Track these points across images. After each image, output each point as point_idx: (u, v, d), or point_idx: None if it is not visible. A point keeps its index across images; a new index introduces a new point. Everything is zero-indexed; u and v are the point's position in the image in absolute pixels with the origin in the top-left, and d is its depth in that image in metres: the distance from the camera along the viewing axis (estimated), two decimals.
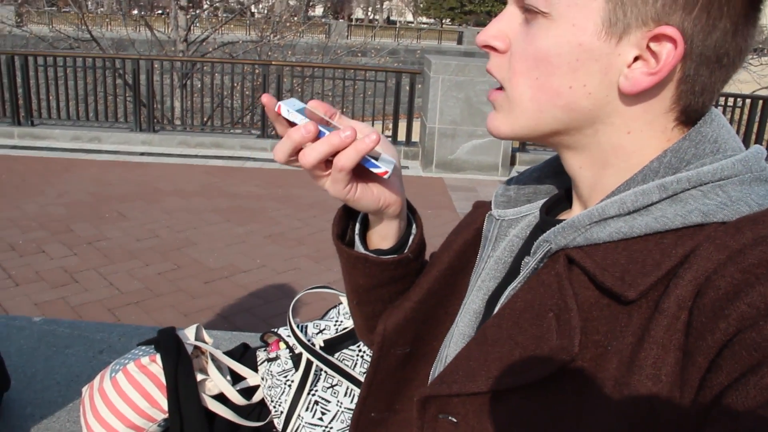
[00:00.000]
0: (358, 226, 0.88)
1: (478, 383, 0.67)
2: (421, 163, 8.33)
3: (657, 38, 0.59)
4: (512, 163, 8.25)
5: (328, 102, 8.98)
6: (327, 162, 0.72)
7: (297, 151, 0.72)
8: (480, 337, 0.70)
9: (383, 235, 0.86)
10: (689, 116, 0.64)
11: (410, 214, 0.89)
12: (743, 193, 0.59)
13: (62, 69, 8.67)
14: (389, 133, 8.92)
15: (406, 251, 0.86)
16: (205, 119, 9.86)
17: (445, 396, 0.71)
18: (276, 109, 0.72)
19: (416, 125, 8.75)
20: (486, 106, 7.80)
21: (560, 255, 0.65)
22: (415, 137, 8.79)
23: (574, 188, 0.74)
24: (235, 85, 9.25)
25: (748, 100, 9.01)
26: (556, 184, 0.81)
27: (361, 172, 0.75)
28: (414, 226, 0.88)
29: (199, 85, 9.40)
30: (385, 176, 0.73)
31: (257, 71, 8.97)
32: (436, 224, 5.27)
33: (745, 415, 0.45)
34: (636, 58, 0.60)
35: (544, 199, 0.82)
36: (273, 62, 9.27)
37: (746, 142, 8.84)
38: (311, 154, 0.70)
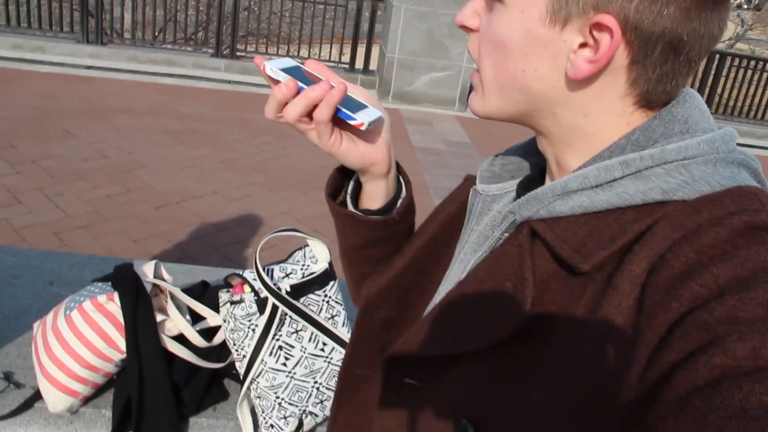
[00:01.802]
0: (351, 184, 0.92)
1: (435, 346, 0.71)
2: (378, 93, 8.20)
3: (598, 26, 0.60)
4: None
5: (284, 23, 8.73)
6: (311, 117, 0.77)
7: (282, 107, 0.77)
8: (444, 303, 0.74)
9: (371, 195, 0.89)
10: (652, 101, 0.64)
11: (401, 179, 0.92)
12: (706, 173, 0.59)
13: None
14: (346, 59, 8.72)
15: (393, 213, 0.89)
16: (156, 33, 9.45)
17: (407, 358, 0.76)
18: (261, 69, 0.78)
19: (374, 53, 8.57)
20: (447, 39, 7.68)
21: (525, 226, 0.68)
22: (373, 66, 8.62)
23: (547, 166, 0.76)
24: None
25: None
26: (539, 161, 0.81)
27: (346, 128, 0.81)
28: (404, 189, 0.91)
29: None
30: (362, 128, 0.76)
31: None
32: None
33: (694, 393, 0.46)
34: (584, 44, 0.61)
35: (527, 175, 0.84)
36: None
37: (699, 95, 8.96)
38: (291, 110, 0.76)
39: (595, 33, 0.60)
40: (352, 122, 0.76)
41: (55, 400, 1.66)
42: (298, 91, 0.76)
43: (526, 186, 0.79)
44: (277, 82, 0.77)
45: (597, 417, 0.55)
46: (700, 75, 8.88)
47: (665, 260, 0.55)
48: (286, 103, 0.76)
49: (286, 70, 0.78)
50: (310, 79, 0.78)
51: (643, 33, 0.59)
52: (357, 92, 0.82)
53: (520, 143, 0.85)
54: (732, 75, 9.04)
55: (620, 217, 0.61)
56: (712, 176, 0.59)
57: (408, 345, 0.76)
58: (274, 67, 0.77)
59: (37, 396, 1.72)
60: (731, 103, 9.37)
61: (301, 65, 0.81)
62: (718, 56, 9.04)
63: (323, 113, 0.75)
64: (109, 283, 1.81)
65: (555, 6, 0.61)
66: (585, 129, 0.67)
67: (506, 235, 0.72)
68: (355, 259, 0.96)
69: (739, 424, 0.42)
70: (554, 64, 0.64)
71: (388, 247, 0.92)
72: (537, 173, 0.81)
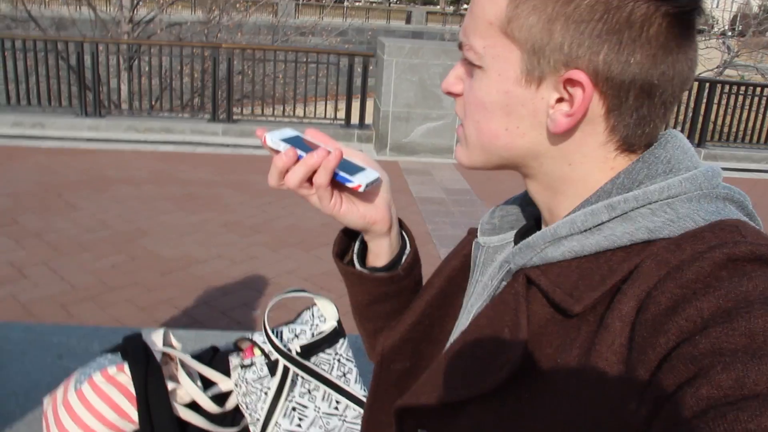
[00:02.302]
0: (357, 244, 0.95)
1: (440, 395, 0.73)
2: (375, 146, 8.28)
3: (570, 82, 0.63)
4: None
5: (279, 84, 8.84)
6: (312, 182, 0.81)
7: (284, 175, 0.81)
8: (448, 353, 0.76)
9: (376, 253, 0.92)
10: (632, 144, 0.67)
11: (405, 235, 0.95)
12: (690, 210, 0.61)
13: None
14: (342, 115, 8.83)
15: (398, 269, 0.92)
16: (153, 102, 9.59)
17: (415, 407, 0.77)
18: (263, 141, 0.82)
19: (369, 107, 8.68)
20: (439, 89, 7.75)
21: (521, 274, 0.70)
22: (369, 120, 8.72)
23: (541, 213, 0.78)
24: (184, 66, 9.01)
25: (695, 83, 9.18)
26: (536, 210, 0.83)
27: (345, 191, 0.84)
28: (408, 245, 0.94)
29: (147, 68, 9.12)
30: (359, 189, 0.80)
31: (206, 53, 8.76)
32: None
33: (683, 425, 0.47)
34: (561, 99, 0.64)
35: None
36: (222, 45, 9.06)
37: (693, 124, 9.03)
38: (292, 177, 0.79)
39: (569, 88, 0.63)
40: (350, 185, 0.80)
41: None
42: (298, 159, 0.79)
43: (523, 235, 0.81)
44: (278, 152, 0.80)
45: None
46: (692, 104, 8.96)
47: (652, 297, 0.56)
48: (288, 171, 0.80)
49: (287, 140, 0.82)
50: (309, 147, 0.81)
51: (615, 82, 0.62)
52: (354, 156, 0.86)
53: (517, 195, 0.87)
54: (723, 101, 9.13)
55: (610, 258, 0.63)
56: (697, 212, 0.61)
57: (415, 395, 0.77)
58: (274, 138, 0.81)
59: None
60: (725, 129, 9.44)
61: (300, 134, 0.85)
62: (708, 84, 9.15)
63: (322, 178, 0.79)
64: (119, 353, 1.80)
65: (528, 67, 0.64)
66: (571, 176, 0.69)
67: (504, 283, 0.75)
68: (366, 315, 0.99)
69: None
70: (534, 120, 0.67)
71: (397, 301, 0.94)
72: (533, 222, 0.84)
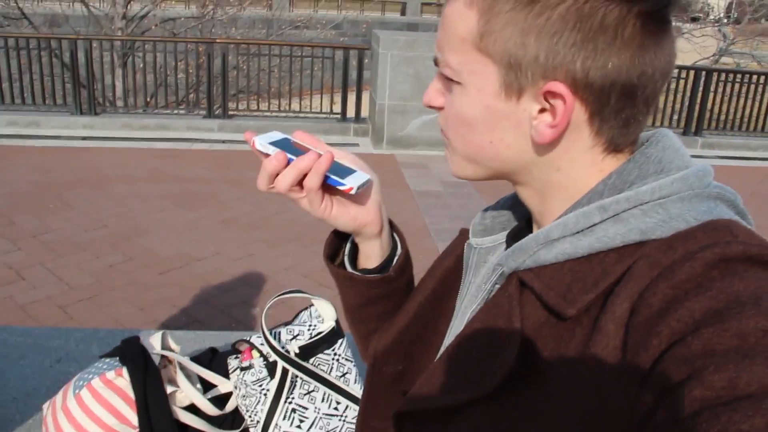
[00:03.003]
0: (348, 246, 0.95)
1: (435, 400, 0.73)
2: (372, 140, 8.27)
3: (550, 94, 0.62)
4: None
5: (274, 78, 8.81)
6: (302, 185, 0.80)
7: (274, 178, 0.81)
8: (443, 357, 0.76)
9: (367, 255, 0.92)
10: (619, 145, 0.66)
11: (396, 236, 0.95)
12: (683, 210, 0.61)
13: None
14: (337, 108, 8.80)
15: (389, 271, 0.91)
16: (148, 99, 9.56)
17: (412, 412, 0.77)
18: (251, 144, 0.81)
19: (365, 101, 8.66)
20: None
21: (513, 277, 0.69)
22: (365, 113, 8.70)
23: (532, 215, 0.77)
24: (179, 62, 8.97)
25: (691, 72, 9.17)
26: (527, 211, 0.83)
27: (336, 193, 0.84)
28: (399, 246, 0.94)
29: (141, 64, 9.09)
30: (351, 192, 0.79)
31: (201, 49, 8.73)
32: (392, 202, 5.23)
33: (677, 427, 0.47)
34: (543, 110, 0.64)
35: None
36: (217, 40, 9.02)
37: (690, 113, 9.02)
38: (282, 180, 0.79)
39: (550, 99, 0.63)
40: (341, 187, 0.79)
41: None
42: (288, 163, 0.79)
43: (514, 236, 0.81)
44: (267, 155, 0.80)
45: None
46: (689, 92, 8.95)
47: (644, 299, 0.56)
48: (277, 175, 0.80)
49: (276, 143, 0.81)
50: (299, 149, 0.81)
51: (595, 89, 0.61)
52: (345, 158, 0.85)
53: (508, 195, 0.86)
54: (720, 90, 9.11)
55: (603, 260, 0.62)
56: (688, 212, 0.61)
57: (412, 401, 0.77)
58: (263, 141, 0.81)
59: None
60: (722, 117, 9.43)
61: (289, 137, 0.85)
62: (704, 73, 9.14)
63: (313, 181, 0.79)
64: (117, 357, 1.80)
65: (506, 81, 0.64)
66: (560, 181, 0.69)
67: (497, 286, 0.74)
68: (358, 318, 0.99)
69: None
70: (519, 132, 0.66)
71: (389, 303, 0.94)
72: (524, 223, 0.83)
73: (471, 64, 0.66)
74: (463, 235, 0.92)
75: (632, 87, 0.62)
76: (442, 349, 0.88)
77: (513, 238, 0.81)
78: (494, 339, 0.68)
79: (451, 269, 0.90)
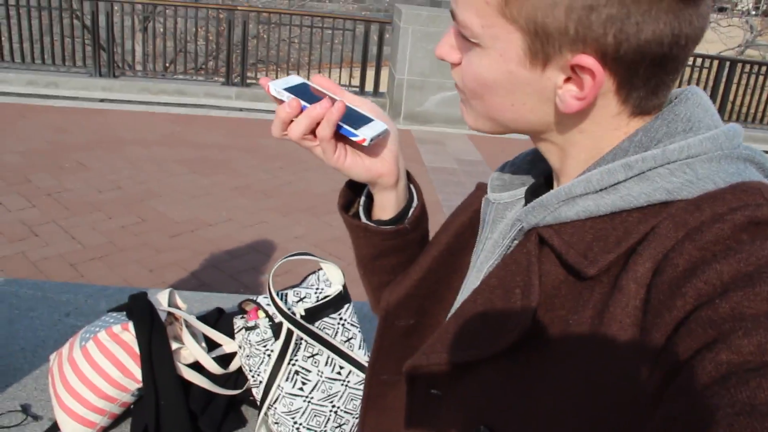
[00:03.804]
0: (363, 197, 0.93)
1: (449, 356, 0.72)
2: (389, 114, 8.22)
3: (579, 67, 0.59)
4: None
5: (293, 49, 8.78)
6: (315, 134, 0.79)
7: (287, 125, 0.79)
8: (458, 312, 0.74)
9: (382, 206, 0.90)
10: (646, 109, 0.64)
11: (413, 187, 0.92)
12: (711, 171, 0.59)
13: (14, 8, 8.27)
14: (356, 82, 8.76)
15: (405, 223, 0.89)
16: (167, 64, 9.55)
17: (425, 367, 0.76)
18: (266, 89, 0.79)
19: (384, 76, 8.61)
20: None
21: (533, 233, 0.68)
22: (383, 88, 8.65)
23: (553, 171, 0.75)
24: (199, 28, 8.94)
25: (715, 61, 9.03)
26: (547, 167, 0.80)
27: (350, 143, 0.81)
28: (415, 198, 0.92)
29: (161, 29, 9.06)
30: (364, 144, 0.77)
31: (221, 16, 8.69)
32: None
33: (701, 391, 0.46)
34: (569, 79, 0.62)
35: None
36: (238, 7, 8.97)
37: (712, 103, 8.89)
38: (295, 128, 0.78)
39: (577, 71, 0.60)
40: (354, 138, 0.77)
41: None
42: (302, 110, 0.77)
43: (533, 192, 0.79)
44: (282, 101, 0.78)
45: (610, 419, 0.55)
46: (711, 83, 8.83)
47: (669, 259, 0.54)
48: (291, 122, 0.78)
49: (292, 88, 0.79)
50: (315, 95, 0.79)
51: (625, 61, 0.59)
52: (362, 105, 0.83)
53: (528, 150, 0.84)
54: (743, 81, 8.98)
55: (625, 219, 0.61)
56: (717, 174, 0.59)
57: (425, 355, 0.76)
58: (278, 87, 0.79)
59: (54, 428, 1.72)
60: (744, 110, 9.30)
61: (307, 82, 0.83)
62: (728, 63, 8.99)
63: (325, 131, 0.77)
64: (124, 312, 1.81)
65: (532, 49, 0.61)
66: (582, 142, 0.67)
67: (516, 242, 0.72)
68: (370, 269, 0.97)
69: (747, 422, 0.41)
70: (542, 97, 0.64)
71: (403, 255, 0.92)
72: (543, 180, 0.81)
73: (494, 28, 0.62)
74: (480, 189, 0.90)
75: (663, 57, 0.59)
76: (456, 305, 0.87)
77: (532, 194, 0.79)
78: (511, 296, 0.66)
79: (466, 224, 0.88)
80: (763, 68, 9.38)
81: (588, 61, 0.58)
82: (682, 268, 0.53)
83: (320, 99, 0.78)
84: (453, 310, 0.88)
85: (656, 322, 0.53)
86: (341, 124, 0.77)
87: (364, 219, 0.91)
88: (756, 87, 9.11)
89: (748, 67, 9.19)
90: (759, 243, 0.52)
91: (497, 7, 0.61)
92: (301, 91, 0.79)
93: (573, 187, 0.64)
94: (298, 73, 8.19)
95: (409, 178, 0.93)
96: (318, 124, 0.77)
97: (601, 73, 0.59)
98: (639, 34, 0.57)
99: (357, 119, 0.79)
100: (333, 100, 0.77)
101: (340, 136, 0.79)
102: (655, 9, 0.56)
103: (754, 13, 24.80)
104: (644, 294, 0.55)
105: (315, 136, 0.79)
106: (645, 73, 0.60)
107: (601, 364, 0.57)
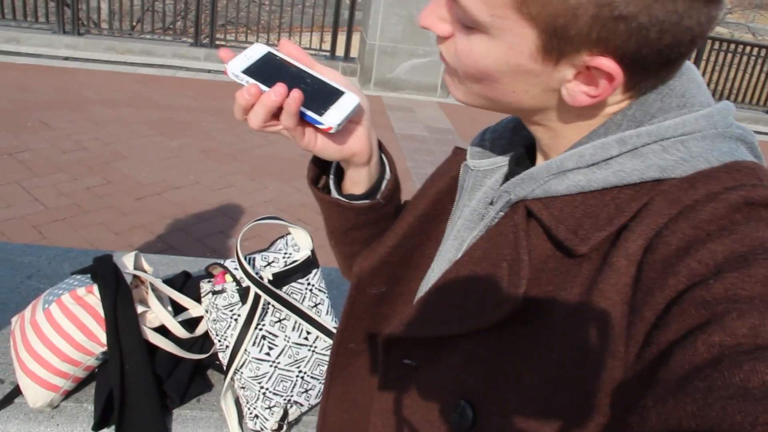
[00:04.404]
0: (333, 170, 0.89)
1: (432, 328, 0.71)
2: (360, 80, 8.16)
3: (595, 68, 0.57)
4: None
5: (264, 11, 8.63)
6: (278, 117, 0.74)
7: (248, 112, 0.74)
8: (440, 284, 0.73)
9: (355, 181, 0.86)
10: (645, 93, 0.62)
11: (385, 159, 0.89)
12: (704, 149, 0.58)
13: None
14: (327, 47, 8.66)
15: (378, 197, 0.86)
16: (134, 23, 9.33)
17: (404, 338, 0.75)
18: (224, 71, 0.74)
19: (355, 41, 8.52)
20: None
21: (520, 206, 0.66)
22: (354, 53, 8.57)
23: (536, 142, 0.73)
24: None
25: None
26: (530, 135, 0.78)
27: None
28: (388, 171, 0.88)
29: None
30: (330, 131, 0.73)
31: None
32: None
33: (693, 373, 0.45)
34: (579, 74, 0.59)
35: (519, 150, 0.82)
36: None
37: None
38: (252, 118, 0.73)
39: (593, 71, 0.58)
40: (320, 126, 0.73)
41: (35, 396, 1.64)
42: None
43: (516, 161, 0.77)
44: (242, 85, 0.73)
45: (595, 397, 0.55)
46: None
47: (662, 237, 0.54)
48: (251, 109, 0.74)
49: (254, 65, 0.74)
50: (279, 71, 0.74)
51: (642, 62, 0.57)
52: (331, 75, 0.78)
53: (509, 116, 0.82)
54: (712, 59, 9.06)
55: (617, 195, 0.60)
56: (711, 152, 0.58)
57: (405, 326, 0.75)
58: (236, 70, 0.73)
59: (16, 392, 1.69)
60: (712, 86, 9.40)
61: (273, 51, 0.77)
62: None
63: (287, 122, 0.72)
64: (89, 275, 1.78)
65: (546, 47, 0.57)
66: (579, 123, 0.65)
67: (501, 214, 0.70)
68: (342, 240, 0.94)
69: (741, 405, 0.41)
70: (548, 88, 0.62)
71: (376, 228, 0.90)
72: (523, 150, 0.79)
73: (505, 20, 0.57)
74: (457, 155, 0.88)
75: (680, 55, 0.58)
76: (431, 272, 0.85)
77: (515, 163, 0.78)
78: (498, 270, 0.65)
79: (444, 191, 0.86)
80: (732, 46, 9.46)
81: (609, 65, 0.56)
82: (675, 246, 0.52)
83: (284, 78, 0.73)
84: (427, 279, 0.86)
85: (647, 301, 0.52)
86: (305, 110, 0.72)
87: (335, 194, 0.87)
88: (724, 65, 9.20)
89: (717, 44, 9.26)
90: (753, 224, 0.52)
91: (511, 1, 0.56)
92: (264, 66, 0.74)
93: (564, 161, 0.63)
94: (267, 37, 8.03)
95: (382, 149, 0.89)
96: (280, 108, 0.72)
97: (620, 75, 0.57)
98: (661, 39, 0.55)
99: (325, 97, 0.74)
100: (291, 85, 0.71)
101: (306, 122, 0.74)
102: (686, 19, 0.54)
103: None
104: (635, 271, 0.55)
105: (278, 119, 0.74)
106: (658, 69, 0.59)
107: (589, 341, 0.56)
